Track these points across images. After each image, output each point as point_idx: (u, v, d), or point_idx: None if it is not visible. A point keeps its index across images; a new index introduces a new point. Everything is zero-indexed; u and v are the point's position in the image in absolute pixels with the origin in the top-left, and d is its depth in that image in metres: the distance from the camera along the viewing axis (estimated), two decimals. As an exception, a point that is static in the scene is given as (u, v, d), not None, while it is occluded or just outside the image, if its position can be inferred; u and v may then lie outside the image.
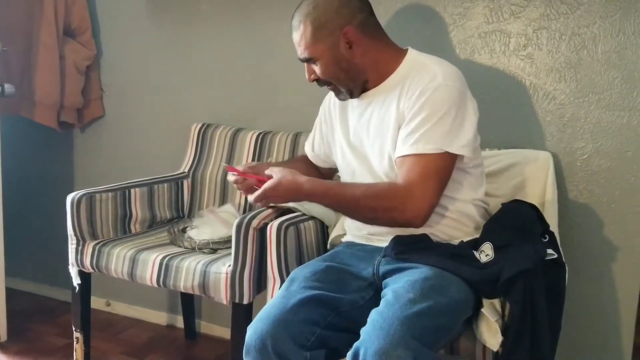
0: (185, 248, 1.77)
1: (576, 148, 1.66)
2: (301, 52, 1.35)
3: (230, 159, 2.04)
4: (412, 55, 1.36)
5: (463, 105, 1.25)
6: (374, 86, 1.37)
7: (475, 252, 1.24)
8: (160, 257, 1.68)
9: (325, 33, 1.31)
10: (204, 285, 1.60)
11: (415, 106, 1.25)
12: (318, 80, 1.38)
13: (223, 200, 2.02)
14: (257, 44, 2.06)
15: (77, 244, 1.78)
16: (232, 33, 2.09)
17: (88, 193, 1.79)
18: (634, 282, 1.64)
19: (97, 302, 2.35)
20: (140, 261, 1.69)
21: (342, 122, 1.47)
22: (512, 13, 1.69)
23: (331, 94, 1.48)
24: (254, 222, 1.53)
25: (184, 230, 1.87)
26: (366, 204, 1.23)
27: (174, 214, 2.06)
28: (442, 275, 1.16)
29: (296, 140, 1.94)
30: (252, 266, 1.56)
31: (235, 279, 1.56)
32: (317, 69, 1.35)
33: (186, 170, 2.09)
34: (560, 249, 1.40)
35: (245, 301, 1.58)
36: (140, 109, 2.30)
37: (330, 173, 1.63)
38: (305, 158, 1.65)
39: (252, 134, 2.01)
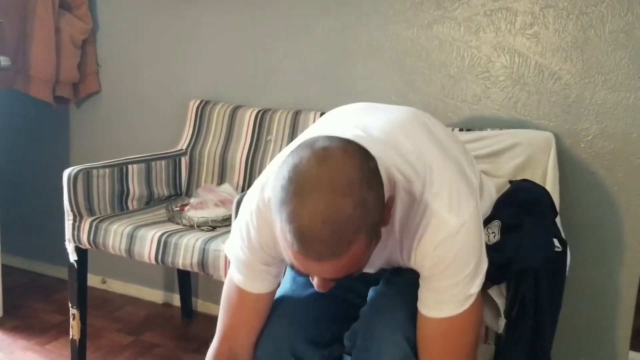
0: (183, 225, 1.75)
1: (580, 129, 1.65)
2: (335, 275, 0.86)
3: (229, 136, 2.01)
4: (399, 190, 0.95)
5: (480, 235, 0.98)
6: None
7: (486, 233, 1.21)
8: (158, 233, 1.66)
9: (378, 230, 0.88)
10: (202, 263, 1.59)
11: (435, 270, 0.95)
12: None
13: (221, 179, 1.99)
14: (256, 19, 2.02)
15: (74, 220, 1.75)
16: (232, 8, 2.05)
17: (85, 168, 1.76)
18: (636, 265, 1.63)
19: (92, 280, 2.33)
20: (138, 238, 1.67)
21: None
22: (519, -10, 1.66)
23: (259, 230, 1.01)
24: (254, 200, 1.51)
25: (181, 207, 1.85)
26: None
27: (171, 191, 2.03)
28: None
29: (296, 118, 1.91)
30: (252, 244, 1.54)
31: (234, 256, 1.54)
32: (344, 277, 0.89)
33: (184, 147, 2.06)
34: (562, 231, 1.39)
35: (245, 279, 1.56)
36: (137, 84, 2.26)
37: None
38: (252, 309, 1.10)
39: (252, 112, 1.98)
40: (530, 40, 1.67)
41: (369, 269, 1.09)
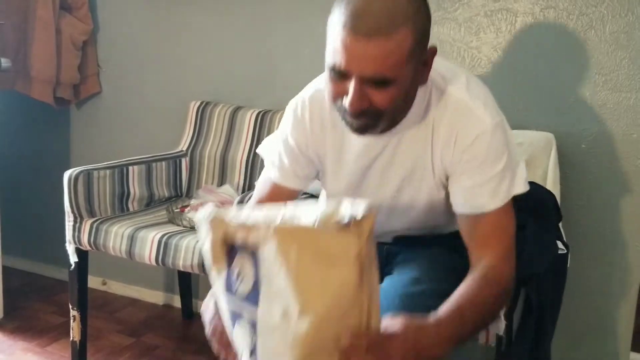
0: (184, 227, 1.75)
1: (581, 130, 1.64)
2: (375, 69, 0.90)
3: (229, 137, 2.01)
4: (436, 81, 1.04)
5: (510, 139, 1.04)
6: (392, 126, 1.04)
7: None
8: (159, 235, 1.66)
9: (420, 49, 0.93)
10: (203, 264, 1.59)
11: (477, 159, 1.00)
12: (362, 111, 0.94)
13: (222, 180, 1.99)
14: (257, 20, 2.02)
15: (75, 222, 1.75)
16: (233, 8, 2.05)
17: (85, 170, 1.76)
18: (636, 266, 1.63)
19: (93, 281, 2.33)
20: (139, 239, 1.67)
21: (336, 152, 1.12)
22: (520, -9, 1.66)
23: (311, 108, 1.11)
24: (255, 201, 1.51)
25: (181, 208, 1.85)
26: (496, 309, 1.02)
27: (172, 192, 2.03)
28: (451, 258, 1.13)
29: (297, 119, 1.91)
30: (253, 245, 1.54)
31: (235, 257, 1.54)
32: (379, 94, 0.92)
33: (184, 148, 2.06)
34: (563, 231, 1.39)
35: (245, 280, 1.56)
36: (137, 85, 2.26)
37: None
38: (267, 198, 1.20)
39: (252, 113, 1.98)
40: (531, 41, 1.67)
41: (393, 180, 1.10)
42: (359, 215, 0.75)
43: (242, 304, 0.83)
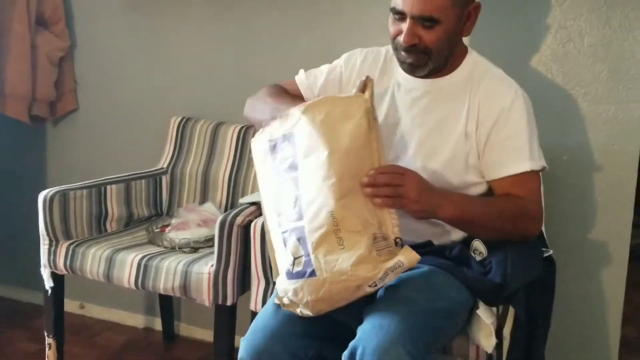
0: (164, 247, 1.71)
1: (562, 142, 1.65)
2: (423, 8, 1.12)
3: (211, 154, 1.97)
4: (473, 54, 1.29)
5: (534, 122, 1.26)
6: (438, 76, 1.25)
7: (471, 254, 1.20)
8: (138, 257, 1.61)
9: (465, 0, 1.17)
10: (185, 287, 1.54)
11: (511, 120, 1.20)
12: (414, 46, 1.17)
13: (204, 199, 1.95)
14: (238, 35, 2.00)
15: (50, 245, 1.69)
16: (213, 23, 2.03)
17: (61, 190, 1.70)
18: (620, 274, 1.63)
19: (70, 305, 2.26)
20: (118, 262, 1.62)
21: (378, 98, 1.27)
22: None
23: (366, 55, 1.34)
24: (239, 219, 1.48)
25: (161, 228, 1.80)
26: (509, 216, 1.17)
27: (152, 211, 1.99)
28: (444, 277, 1.12)
29: (279, 135, 1.88)
30: (236, 265, 1.51)
31: (218, 279, 1.50)
32: (427, 34, 1.15)
33: (165, 166, 2.02)
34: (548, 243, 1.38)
35: (229, 302, 1.52)
36: (116, 102, 2.22)
37: None
38: (284, 89, 1.40)
39: (234, 128, 1.95)
40: (511, 54, 1.67)
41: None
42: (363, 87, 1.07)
43: (287, 174, 1.07)
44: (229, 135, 1.96)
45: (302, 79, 1.40)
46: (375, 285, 0.97)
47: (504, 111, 1.20)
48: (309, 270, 1.00)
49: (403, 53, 1.20)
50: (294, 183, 1.05)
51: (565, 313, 1.66)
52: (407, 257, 0.97)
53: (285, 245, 1.05)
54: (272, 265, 1.14)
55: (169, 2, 2.07)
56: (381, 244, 0.98)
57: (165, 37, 2.10)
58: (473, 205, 1.15)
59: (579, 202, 1.64)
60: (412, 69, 1.23)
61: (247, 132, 1.94)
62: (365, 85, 1.07)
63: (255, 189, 1.87)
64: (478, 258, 1.20)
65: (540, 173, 1.26)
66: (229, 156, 1.95)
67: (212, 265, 1.52)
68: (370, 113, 1.05)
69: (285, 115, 1.12)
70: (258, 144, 1.18)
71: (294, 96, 1.33)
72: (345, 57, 1.38)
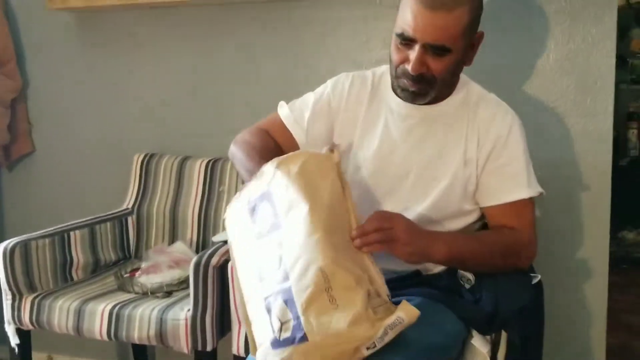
0: (135, 293, 1.62)
1: (535, 157, 1.63)
2: (437, 37, 1.09)
3: (178, 190, 1.90)
4: (464, 79, 1.26)
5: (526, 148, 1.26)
6: (433, 102, 1.23)
7: (460, 282, 1.17)
8: (109, 306, 1.53)
9: (472, 29, 1.15)
10: (161, 334, 1.46)
11: (509, 147, 1.20)
12: (421, 75, 1.13)
13: (173, 238, 1.87)
14: (198, 66, 1.94)
15: (13, 299, 1.59)
16: (171, 56, 1.97)
17: (22, 241, 1.61)
18: (602, 286, 1.63)
19: (37, 358, 2.13)
20: (87, 313, 1.53)
21: (369, 125, 1.26)
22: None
23: (353, 80, 1.30)
24: (214, 260, 1.42)
25: (131, 272, 1.72)
26: (500, 252, 1.15)
27: (119, 255, 1.90)
28: (437, 308, 1.09)
29: (249, 166, 1.83)
30: (214, 309, 1.44)
31: (196, 324, 1.43)
32: (435, 62, 1.12)
33: (130, 206, 1.93)
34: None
35: (209, 348, 1.45)
36: (74, 141, 2.12)
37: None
38: (264, 132, 1.33)
39: (201, 162, 1.89)
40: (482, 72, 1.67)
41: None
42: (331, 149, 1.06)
43: (268, 236, 1.00)
44: (196, 170, 1.89)
45: (286, 113, 1.33)
46: (374, 347, 0.88)
47: (501, 138, 1.19)
48: (298, 336, 0.89)
49: (407, 81, 1.16)
50: (277, 243, 0.98)
51: (548, 329, 1.65)
52: (407, 312, 0.90)
53: (269, 312, 0.95)
54: (249, 340, 1.03)
55: (125, 37, 2.00)
56: (376, 301, 0.91)
57: (123, 71, 2.03)
58: (464, 243, 1.12)
59: (555, 216, 1.64)
60: (413, 97, 1.19)
61: (215, 165, 1.87)
62: (333, 151, 1.06)
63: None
64: (467, 286, 1.17)
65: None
66: (197, 191, 1.88)
67: (189, 310, 1.45)
68: (341, 175, 1.03)
69: (260, 174, 1.07)
70: (234, 212, 1.10)
71: (266, 150, 1.23)
72: (332, 83, 1.33)
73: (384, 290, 0.94)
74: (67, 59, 2.09)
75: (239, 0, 1.84)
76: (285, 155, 1.07)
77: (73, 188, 2.13)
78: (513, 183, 1.19)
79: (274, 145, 1.29)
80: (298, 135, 1.30)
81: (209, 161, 1.88)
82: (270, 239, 1.00)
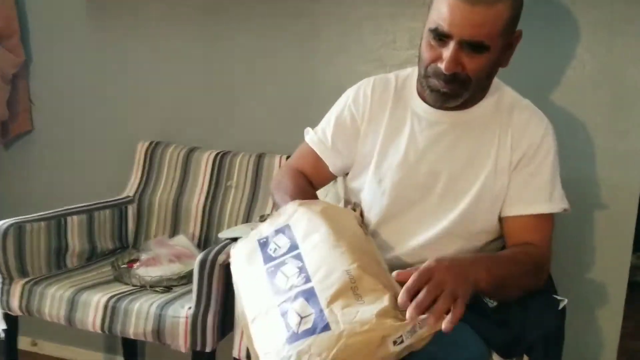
0: (133, 286, 1.54)
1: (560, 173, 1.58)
2: (474, 33, 1.01)
3: (183, 182, 1.82)
4: (498, 83, 1.19)
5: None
6: (464, 107, 1.15)
7: (484, 300, 1.11)
8: (105, 298, 1.45)
9: (512, 27, 1.07)
10: (158, 331, 1.38)
11: (538, 157, 1.14)
12: (455, 74, 1.05)
13: (175, 231, 1.80)
14: (214, 50, 1.86)
15: (3, 283, 1.51)
16: (185, 38, 1.89)
17: (16, 223, 1.52)
18: (617, 313, 1.57)
19: (21, 342, 2.05)
20: (81, 303, 1.45)
21: (393, 132, 1.19)
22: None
23: (375, 84, 1.24)
24: (220, 258, 1.34)
25: (129, 264, 1.64)
26: (532, 271, 1.08)
27: (116, 244, 1.82)
28: (462, 328, 1.02)
29: (260, 162, 1.76)
30: (217, 309, 1.36)
31: (197, 323, 1.36)
32: (471, 61, 1.04)
33: (131, 194, 1.85)
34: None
35: (209, 349, 1.38)
36: (76, 123, 2.04)
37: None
38: (297, 171, 1.30)
39: (209, 154, 1.81)
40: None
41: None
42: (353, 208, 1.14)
43: (283, 257, 0.97)
44: (204, 162, 1.82)
45: (312, 138, 1.30)
46: (402, 342, 0.79)
47: (532, 147, 1.13)
48: (320, 326, 0.82)
49: (439, 81, 1.08)
50: (296, 258, 0.95)
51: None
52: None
53: (283, 315, 0.88)
54: (251, 353, 0.96)
55: (135, 19, 1.92)
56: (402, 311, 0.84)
57: (133, 54, 1.95)
58: (501, 266, 1.01)
59: (576, 238, 1.58)
60: (444, 99, 1.11)
61: (223, 158, 1.80)
62: (355, 209, 1.11)
63: (232, 221, 1.74)
64: (491, 305, 1.10)
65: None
66: (203, 184, 1.81)
67: (190, 308, 1.37)
68: (364, 227, 1.05)
69: (277, 214, 1.07)
70: (241, 249, 1.07)
71: (299, 195, 1.19)
72: (353, 92, 1.27)
73: None
74: (73, 38, 2.01)
75: (258, -11, 1.77)
76: (307, 200, 1.10)
77: (72, 171, 2.05)
78: (536, 196, 1.13)
79: (305, 185, 1.26)
80: (327, 159, 1.28)
81: (218, 154, 1.81)
82: (287, 257, 0.97)
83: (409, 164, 1.16)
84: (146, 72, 1.95)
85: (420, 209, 1.16)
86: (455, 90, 1.08)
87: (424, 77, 1.11)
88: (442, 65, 1.04)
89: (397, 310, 0.82)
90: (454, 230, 1.14)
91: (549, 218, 1.14)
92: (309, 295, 0.87)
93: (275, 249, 1.00)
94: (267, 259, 1.00)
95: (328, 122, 1.28)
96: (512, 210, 1.14)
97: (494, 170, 1.13)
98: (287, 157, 1.67)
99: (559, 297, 1.18)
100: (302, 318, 0.85)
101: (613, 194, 1.54)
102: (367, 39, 1.71)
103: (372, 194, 1.19)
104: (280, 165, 1.71)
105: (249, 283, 1.01)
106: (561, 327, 1.19)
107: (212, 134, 1.89)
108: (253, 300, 0.98)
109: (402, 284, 0.86)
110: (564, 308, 1.20)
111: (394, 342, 0.80)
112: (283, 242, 1.00)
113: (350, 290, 0.85)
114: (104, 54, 1.98)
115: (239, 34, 1.82)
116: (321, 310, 0.83)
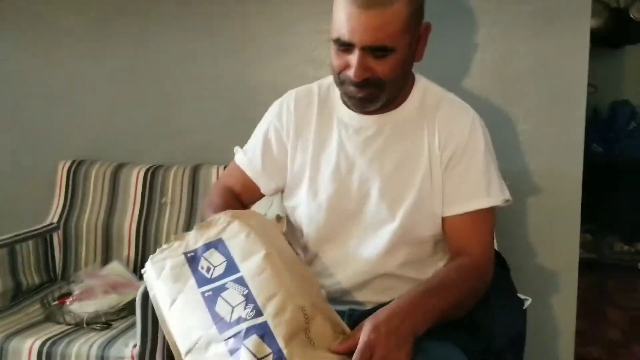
0: (67, 324, 1.41)
1: (504, 168, 1.56)
2: (375, 38, 0.98)
3: (112, 202, 1.69)
4: (422, 80, 1.15)
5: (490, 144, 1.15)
6: (388, 109, 1.10)
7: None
8: (38, 342, 1.32)
9: (415, 22, 1.02)
10: (102, 375, 1.27)
11: (468, 154, 1.09)
12: (366, 80, 1.01)
13: (107, 257, 1.68)
14: (136, 62, 1.75)
15: None
16: (105, 49, 1.76)
17: None
18: (571, 297, 1.60)
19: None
20: (11, 351, 1.31)
21: (322, 143, 1.14)
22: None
23: (297, 97, 1.18)
24: (165, 289, 1.23)
25: (60, 300, 1.50)
26: (470, 288, 1.03)
27: (44, 278, 1.67)
28: (438, 341, 0.98)
29: (195, 174, 1.66)
30: (166, 344, 1.25)
31: (144, 363, 1.25)
32: (379, 64, 1.00)
33: (55, 220, 1.71)
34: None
35: (160, 389, 1.27)
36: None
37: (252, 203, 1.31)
38: (227, 190, 1.24)
39: (139, 170, 1.70)
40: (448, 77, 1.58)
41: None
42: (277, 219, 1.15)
43: (221, 280, 0.92)
44: (133, 178, 1.70)
45: (242, 159, 1.23)
46: None
47: (460, 145, 1.09)
48: None
49: (352, 88, 1.04)
50: (238, 283, 0.90)
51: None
52: None
53: (232, 352, 0.83)
54: None
55: (49, 25, 1.77)
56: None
57: (52, 68, 1.81)
58: (438, 300, 0.96)
59: (524, 228, 1.59)
60: (362, 105, 1.07)
61: (155, 173, 1.68)
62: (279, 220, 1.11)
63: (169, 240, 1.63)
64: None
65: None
66: (134, 203, 1.69)
67: (135, 346, 1.26)
68: (290, 243, 1.04)
69: (206, 224, 1.01)
70: (162, 262, 0.98)
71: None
72: (277, 108, 1.20)
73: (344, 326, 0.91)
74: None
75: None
76: (239, 210, 1.07)
77: (-16, 200, 1.86)
78: (472, 192, 1.08)
79: (233, 202, 1.20)
80: (259, 181, 1.21)
81: (149, 168, 1.70)
82: (226, 282, 0.92)
83: (340, 174, 1.11)
84: (64, 84, 1.80)
85: (358, 220, 1.11)
86: (371, 93, 1.05)
87: (339, 85, 1.07)
88: (350, 73, 1.02)
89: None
90: (399, 239, 1.10)
91: (489, 212, 1.09)
92: (263, 332, 0.82)
93: (209, 268, 0.94)
94: (202, 280, 0.93)
95: (256, 141, 1.22)
96: (450, 210, 1.09)
97: (429, 171, 1.09)
98: (225, 167, 1.58)
99: (522, 297, 1.17)
100: (259, 359, 0.81)
101: (558, 183, 1.56)
102: (304, 39, 1.64)
103: (308, 210, 1.14)
104: (218, 177, 1.62)
105: (177, 306, 0.93)
106: (524, 326, 1.19)
107: (141, 148, 1.77)
108: (186, 329, 0.90)
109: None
110: (525, 310, 1.20)
111: None
112: (217, 260, 0.94)
113: (303, 332, 0.84)
114: (16, 67, 1.83)
115: (167, 41, 1.73)
116: (280, 351, 0.81)
